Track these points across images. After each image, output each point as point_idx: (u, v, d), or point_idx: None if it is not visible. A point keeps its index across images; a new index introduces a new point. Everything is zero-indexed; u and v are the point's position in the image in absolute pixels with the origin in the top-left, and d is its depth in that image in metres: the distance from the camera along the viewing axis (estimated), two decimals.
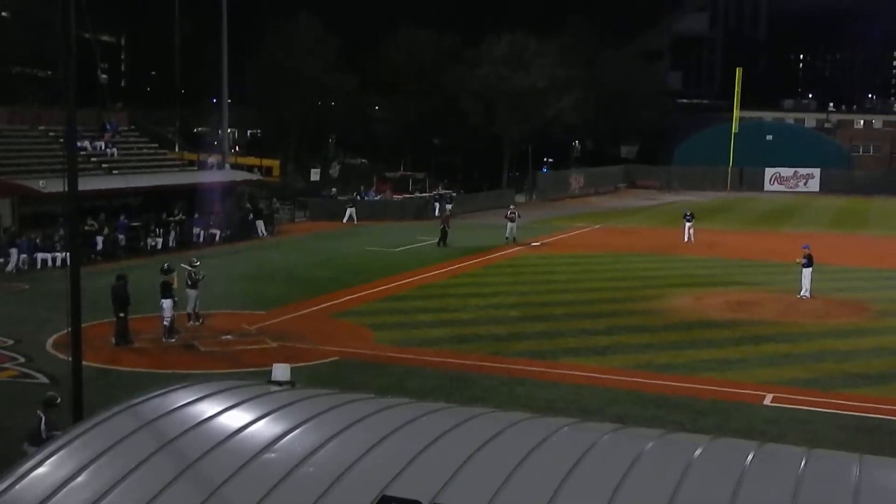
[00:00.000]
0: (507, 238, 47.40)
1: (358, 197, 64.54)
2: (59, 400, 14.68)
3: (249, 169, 65.61)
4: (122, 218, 42.47)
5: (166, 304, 25.25)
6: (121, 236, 41.89)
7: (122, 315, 24.87)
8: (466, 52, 78.98)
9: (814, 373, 23.08)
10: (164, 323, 25.39)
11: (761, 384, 22.01)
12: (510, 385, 21.70)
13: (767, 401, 20.81)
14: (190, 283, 26.88)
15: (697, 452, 7.48)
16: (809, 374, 22.91)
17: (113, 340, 24.79)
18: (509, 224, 47.67)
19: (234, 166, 61.24)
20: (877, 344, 26.31)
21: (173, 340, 25.29)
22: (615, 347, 25.44)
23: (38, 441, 12.85)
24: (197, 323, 26.89)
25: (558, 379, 22.33)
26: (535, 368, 23.18)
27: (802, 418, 19.64)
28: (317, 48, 75.46)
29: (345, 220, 56.26)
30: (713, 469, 7.24)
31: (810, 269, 32.50)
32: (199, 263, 27.55)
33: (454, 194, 67.51)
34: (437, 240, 46.26)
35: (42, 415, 14.23)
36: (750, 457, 7.43)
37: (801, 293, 32.50)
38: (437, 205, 61.15)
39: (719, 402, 20.70)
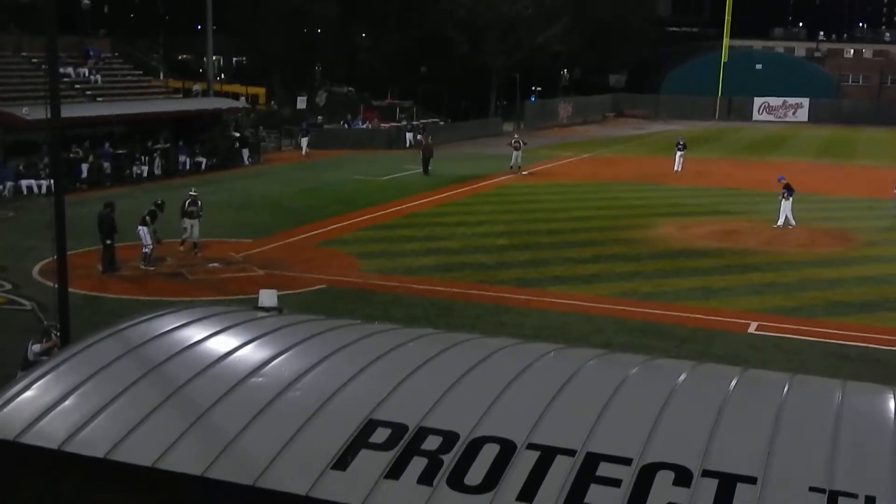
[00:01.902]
0: (511, 166, 47.33)
1: (346, 125, 64.10)
2: (53, 332, 14.69)
3: (235, 97, 64.92)
4: (106, 146, 42.15)
5: (142, 231, 25.12)
6: (106, 164, 41.59)
7: (108, 242, 24.82)
8: None
9: (798, 301, 23.25)
10: (144, 250, 25.28)
11: (746, 312, 22.18)
12: (496, 313, 21.81)
13: (752, 329, 20.98)
14: (182, 212, 26.79)
15: (681, 378, 7.54)
16: (793, 303, 23.08)
17: (100, 268, 24.77)
18: (514, 152, 47.52)
19: (219, 94, 60.55)
20: (861, 273, 26.47)
21: (152, 269, 25.20)
22: (601, 276, 25.55)
23: (27, 366, 12.91)
24: (196, 252, 26.79)
25: (544, 307, 22.44)
26: (521, 297, 23.28)
27: (786, 346, 19.82)
28: None
29: (303, 152, 54.36)
30: (697, 393, 7.30)
31: (791, 198, 32.45)
32: (195, 193, 27.35)
33: (439, 122, 66.97)
34: (421, 169, 46.43)
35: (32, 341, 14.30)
36: (734, 382, 7.48)
37: (779, 223, 32.43)
38: (408, 135, 60.24)
39: (704, 329, 20.87)
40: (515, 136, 50.98)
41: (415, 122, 64.03)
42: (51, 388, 7.48)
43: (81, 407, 7.17)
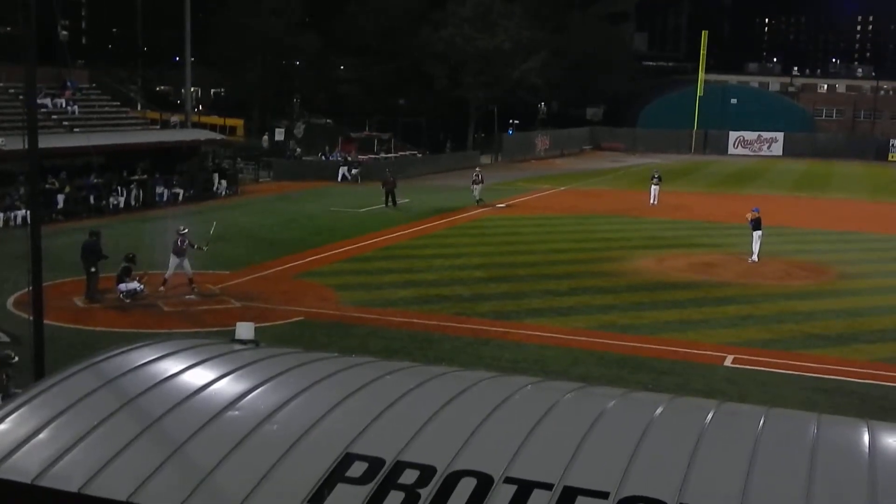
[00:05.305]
0: (477, 200, 47.44)
1: (323, 157, 64.08)
2: (13, 359, 14.54)
3: (213, 128, 64.92)
4: (92, 177, 41.94)
5: (123, 286, 24.91)
6: (89, 195, 41.39)
7: (93, 270, 24.85)
8: (432, 13, 78.42)
9: (774, 334, 23.36)
10: (120, 296, 25.03)
11: (722, 345, 22.27)
12: (474, 345, 21.80)
13: (728, 361, 21.05)
14: (174, 250, 26.25)
15: (658, 411, 7.55)
16: (769, 335, 23.19)
17: (80, 299, 24.78)
18: (474, 186, 47.72)
19: (197, 125, 60.50)
20: (836, 305, 26.66)
21: (129, 301, 24.99)
22: (579, 308, 25.60)
23: None
24: (192, 293, 26.18)
25: (522, 339, 22.44)
26: (499, 329, 23.29)
27: (762, 379, 19.90)
28: (281, 7, 74.71)
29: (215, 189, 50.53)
30: (673, 427, 7.31)
31: (759, 232, 32.58)
32: (185, 231, 26.73)
33: (417, 154, 66.89)
34: (389, 202, 46.23)
35: None
36: (710, 415, 7.50)
37: (752, 257, 32.58)
38: (342, 170, 58.76)
39: (681, 362, 20.92)
40: (477, 169, 51.18)
41: (350, 158, 61.84)
42: (24, 420, 7.40)
43: (56, 440, 7.10)
